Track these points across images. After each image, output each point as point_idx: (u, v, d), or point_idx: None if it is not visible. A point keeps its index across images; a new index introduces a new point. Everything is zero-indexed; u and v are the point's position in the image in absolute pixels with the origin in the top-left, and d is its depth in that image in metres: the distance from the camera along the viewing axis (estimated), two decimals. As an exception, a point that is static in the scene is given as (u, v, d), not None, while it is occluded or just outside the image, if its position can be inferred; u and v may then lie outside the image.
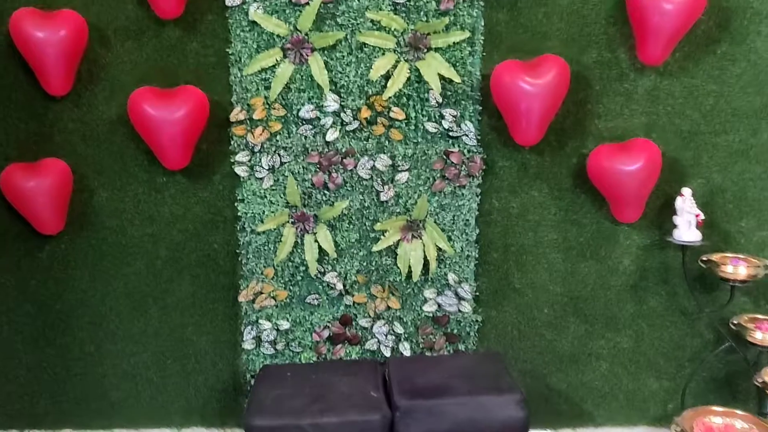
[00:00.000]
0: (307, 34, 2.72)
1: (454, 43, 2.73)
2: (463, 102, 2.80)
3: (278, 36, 2.73)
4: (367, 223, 2.86)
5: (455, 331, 2.96)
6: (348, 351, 2.96)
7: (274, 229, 2.90)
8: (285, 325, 2.94)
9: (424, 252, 2.89)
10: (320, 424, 2.38)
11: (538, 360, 3.07)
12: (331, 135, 2.77)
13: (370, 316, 2.93)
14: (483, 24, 2.78)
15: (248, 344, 2.96)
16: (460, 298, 2.94)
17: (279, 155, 2.80)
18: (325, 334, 2.96)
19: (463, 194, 2.86)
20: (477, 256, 2.96)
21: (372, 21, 2.71)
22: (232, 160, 2.82)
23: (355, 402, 2.46)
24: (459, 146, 2.84)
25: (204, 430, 3.12)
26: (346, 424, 2.39)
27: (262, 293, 2.92)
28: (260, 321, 2.94)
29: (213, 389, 3.09)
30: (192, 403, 3.11)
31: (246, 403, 2.54)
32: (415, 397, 2.47)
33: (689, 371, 3.05)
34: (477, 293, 3.00)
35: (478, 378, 2.57)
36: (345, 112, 2.79)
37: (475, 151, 2.84)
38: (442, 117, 2.77)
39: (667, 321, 3.05)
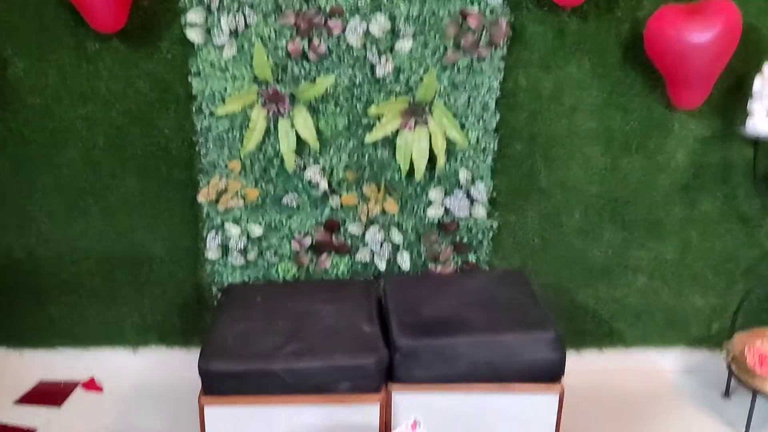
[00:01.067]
0: None
1: None
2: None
3: None
4: (358, 106, 2.22)
5: (465, 239, 2.30)
6: (335, 262, 2.31)
7: (240, 111, 2.21)
8: (257, 230, 2.27)
9: (430, 143, 2.22)
10: (296, 370, 1.75)
11: (563, 273, 2.49)
12: (313, -12, 2.00)
13: (361, 222, 2.24)
14: None
15: (212, 253, 2.29)
16: (472, 201, 2.30)
17: (243, 14, 2.10)
18: (307, 242, 2.29)
19: (481, 69, 2.18)
20: (496, 148, 2.31)
21: None
22: (182, 21, 2.14)
23: (342, 340, 1.82)
24: (479, 5, 2.12)
25: (164, 348, 2.53)
26: (331, 370, 1.75)
27: (226, 192, 2.24)
28: (226, 225, 2.27)
29: (172, 303, 2.51)
30: (147, 320, 2.53)
31: (203, 339, 1.86)
32: (421, 335, 1.83)
33: (742, 287, 2.53)
34: (493, 194, 2.38)
35: (500, 308, 1.93)
36: (330, -43, 2.00)
37: (500, 12, 2.12)
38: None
39: (721, 228, 2.48)
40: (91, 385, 2.50)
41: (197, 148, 2.27)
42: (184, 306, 2.50)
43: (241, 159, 2.25)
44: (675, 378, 2.57)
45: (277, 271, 2.36)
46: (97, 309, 2.52)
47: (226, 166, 2.26)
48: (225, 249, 2.33)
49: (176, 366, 2.49)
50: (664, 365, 2.61)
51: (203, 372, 1.78)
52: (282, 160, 2.24)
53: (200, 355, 1.80)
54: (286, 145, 2.20)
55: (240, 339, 1.85)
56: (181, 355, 2.52)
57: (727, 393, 2.43)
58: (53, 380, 2.53)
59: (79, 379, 2.53)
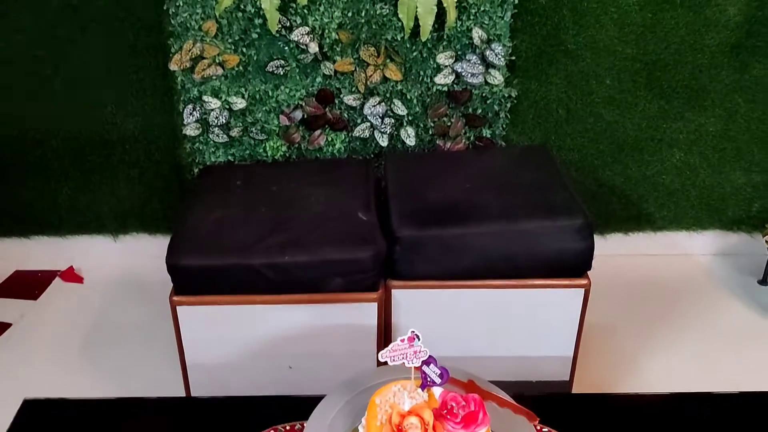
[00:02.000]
0: None
1: None
2: None
3: None
4: (352, -51, 1.72)
5: (479, 111, 1.92)
6: (330, 139, 1.95)
7: (210, -42, 1.74)
8: (239, 103, 1.91)
9: (439, -5, 1.71)
10: (280, 266, 1.40)
11: (588, 148, 2.13)
12: None
13: (359, 92, 1.85)
14: None
15: (191, 129, 1.93)
16: (488, 65, 1.92)
17: None
18: (298, 115, 1.92)
19: None
20: (516, 1, 1.89)
21: None
22: None
23: (334, 230, 1.47)
24: None
25: (146, 236, 2.22)
26: (320, 266, 1.41)
27: (203, 58, 1.83)
28: (204, 98, 1.89)
29: (151, 187, 2.20)
30: (126, 205, 2.23)
31: (174, 231, 1.53)
32: (425, 223, 1.47)
33: (791, 163, 2.10)
34: (512, 57, 1.98)
35: (519, 191, 1.57)
36: None
37: None
38: None
39: (773, 95, 2.00)
40: (70, 275, 2.21)
41: (164, 6, 1.84)
42: (164, 190, 2.18)
43: (216, 19, 1.83)
44: (708, 263, 2.25)
45: (264, 150, 2.00)
46: (70, 194, 2.20)
47: (200, 27, 1.85)
48: (205, 125, 1.95)
49: (159, 254, 2.13)
50: (696, 249, 2.28)
51: (172, 268, 1.46)
52: (264, 19, 1.81)
53: (168, 248, 1.47)
54: (268, 1, 1.77)
55: (215, 229, 1.51)
56: (164, 242, 2.18)
57: (764, 279, 2.13)
58: (29, 270, 2.23)
59: (56, 269, 2.22)
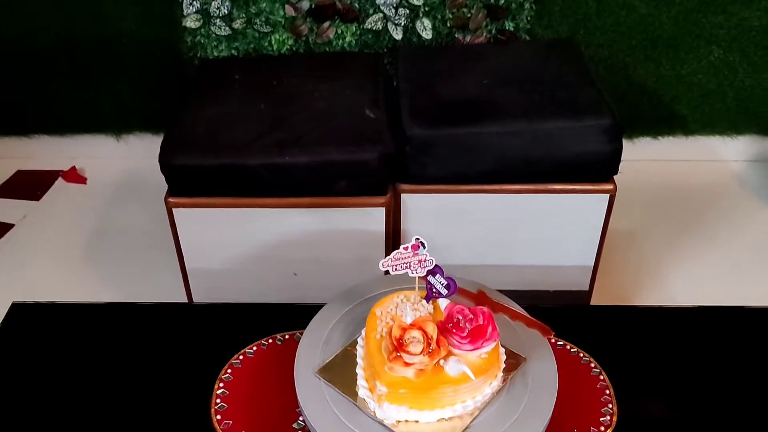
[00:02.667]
0: None
1: None
2: None
3: None
4: None
5: (502, 1, 1.69)
6: (340, 31, 1.78)
7: None
8: (241, -8, 1.70)
9: None
10: (279, 166, 1.28)
11: (619, 44, 1.96)
12: None
13: None
14: None
15: (191, 21, 1.79)
16: (512, -51, 1.63)
17: None
18: (305, 5, 1.77)
19: None
20: None
21: None
22: None
23: (339, 128, 1.34)
24: None
25: (149, 136, 2.10)
26: (323, 167, 1.29)
27: None
28: None
29: (152, 84, 2.09)
30: (127, 104, 2.12)
31: (167, 128, 1.41)
32: (438, 122, 1.33)
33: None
34: (540, -60, 1.70)
35: (542, 87, 1.41)
36: None
37: None
38: None
39: (828, -14, 1.79)
40: (73, 175, 2.11)
41: None
42: (166, 87, 2.04)
43: None
44: (741, 169, 2.09)
45: (270, 43, 1.83)
46: (69, 92, 2.09)
47: None
48: (206, 16, 1.79)
49: (163, 155, 2.04)
50: (729, 155, 2.12)
51: (165, 167, 1.34)
52: None
53: (161, 146, 1.34)
54: None
55: (211, 127, 1.38)
56: (167, 143, 2.07)
57: (802, 188, 1.96)
58: (32, 170, 2.13)
59: (59, 169, 2.12)
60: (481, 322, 0.90)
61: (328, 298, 1.06)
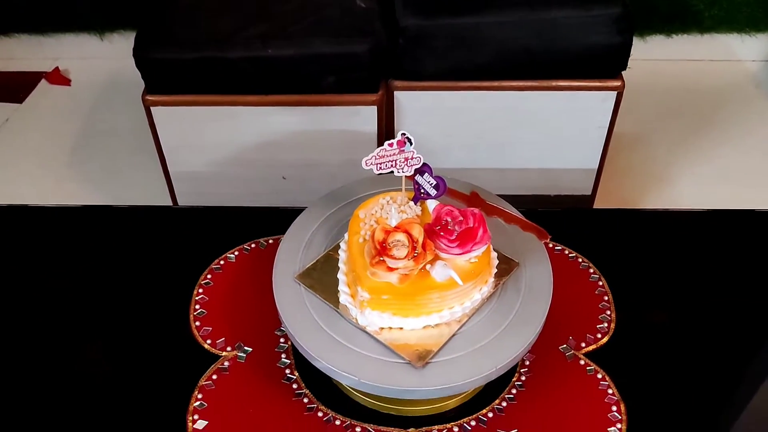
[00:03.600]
0: None
1: None
2: None
3: None
4: None
5: None
6: None
7: None
8: None
9: None
10: (262, 60, 1.19)
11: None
12: None
13: None
14: None
15: None
16: None
17: None
18: None
19: None
20: None
21: None
22: None
23: (326, 19, 1.22)
24: None
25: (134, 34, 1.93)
26: (309, 61, 1.18)
27: None
28: None
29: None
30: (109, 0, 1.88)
31: (142, 20, 1.29)
32: (435, 11, 1.22)
33: None
34: None
35: None
36: None
37: None
38: None
39: None
40: (56, 77, 2.00)
41: None
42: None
43: None
44: (759, 70, 1.97)
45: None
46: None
47: None
48: None
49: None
50: (746, 54, 1.99)
51: (141, 62, 1.24)
52: None
53: (136, 40, 1.23)
54: None
55: (190, 18, 1.27)
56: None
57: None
58: (13, 71, 2.02)
59: (42, 71, 2.01)
60: (471, 225, 0.82)
61: (312, 201, 0.97)
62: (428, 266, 0.82)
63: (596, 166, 1.48)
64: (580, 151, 1.43)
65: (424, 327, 0.83)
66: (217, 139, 1.37)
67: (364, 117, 1.33)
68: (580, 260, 1.08)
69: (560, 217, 1.18)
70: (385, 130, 1.37)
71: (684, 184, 1.67)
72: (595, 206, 1.55)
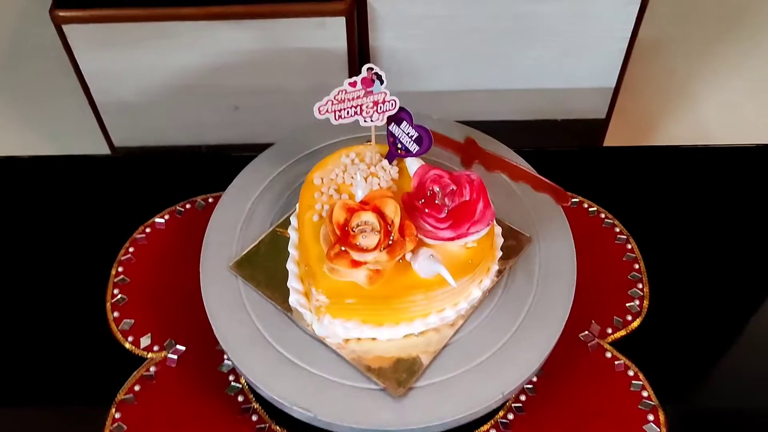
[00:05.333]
0: None
1: None
2: None
3: None
4: None
5: None
6: None
7: None
8: None
9: None
10: None
11: None
12: None
13: None
14: None
15: None
16: None
17: None
18: None
19: None
20: None
21: None
22: None
23: None
24: None
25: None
26: None
27: None
28: None
29: None
30: None
31: None
32: None
33: None
34: None
35: None
36: None
37: None
38: None
39: None
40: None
41: None
42: None
43: None
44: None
45: None
46: None
47: None
48: None
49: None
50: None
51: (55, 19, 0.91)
52: None
53: None
54: None
55: None
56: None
57: None
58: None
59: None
60: (468, 197, 0.55)
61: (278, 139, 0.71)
62: (408, 256, 0.56)
63: (613, 84, 1.20)
64: (594, 66, 1.16)
65: (406, 336, 0.58)
66: (152, 64, 1.08)
67: (331, 30, 1.04)
68: (603, 216, 0.82)
69: (574, 159, 0.91)
70: (359, 47, 1.08)
71: (708, 100, 1.39)
72: (609, 133, 1.28)
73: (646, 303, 0.76)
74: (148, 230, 0.82)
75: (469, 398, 0.56)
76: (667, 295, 0.76)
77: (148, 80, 1.14)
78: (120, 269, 0.78)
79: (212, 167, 0.88)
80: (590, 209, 0.84)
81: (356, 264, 0.55)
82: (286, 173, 0.70)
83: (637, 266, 0.79)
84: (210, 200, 0.84)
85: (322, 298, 0.57)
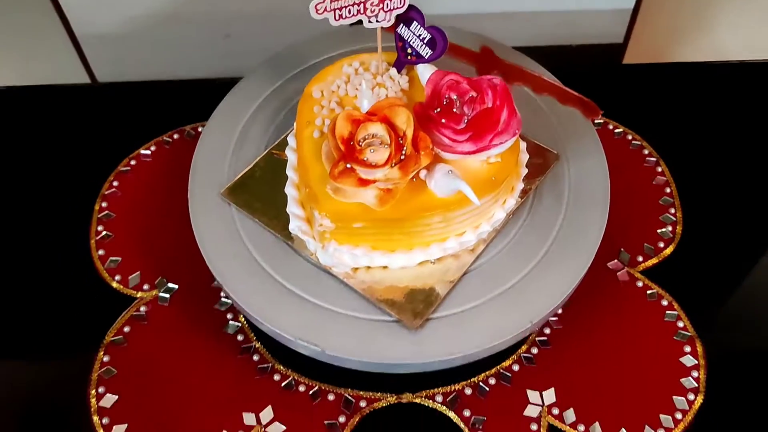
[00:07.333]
0: None
1: None
2: None
3: None
4: None
5: None
6: None
7: None
8: None
9: None
10: None
11: None
12: None
13: None
14: None
15: None
16: None
17: None
18: None
19: None
20: None
21: None
22: None
23: None
24: None
25: None
26: None
27: None
28: None
29: None
30: None
31: None
32: None
33: None
34: None
35: None
36: None
37: None
38: None
39: None
40: None
41: None
42: None
43: None
44: None
45: None
46: None
47: None
48: None
49: None
50: None
51: None
52: None
53: None
54: None
55: None
56: None
57: None
58: None
59: None
60: (490, 104, 0.47)
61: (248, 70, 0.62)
62: (423, 172, 0.48)
63: (631, 5, 1.11)
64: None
65: (421, 263, 0.51)
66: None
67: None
68: (630, 137, 0.75)
69: (595, 78, 0.83)
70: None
71: (727, 25, 1.30)
72: (626, 58, 1.20)
73: (679, 228, 0.69)
74: (133, 162, 0.75)
75: (493, 329, 0.49)
76: (701, 220, 0.70)
77: (132, 9, 1.05)
78: (104, 204, 0.71)
79: (202, 95, 0.80)
80: (616, 130, 0.76)
81: (364, 182, 0.48)
82: (281, 91, 0.63)
83: (668, 190, 0.72)
84: (200, 129, 0.77)
85: (326, 222, 0.49)
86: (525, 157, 0.56)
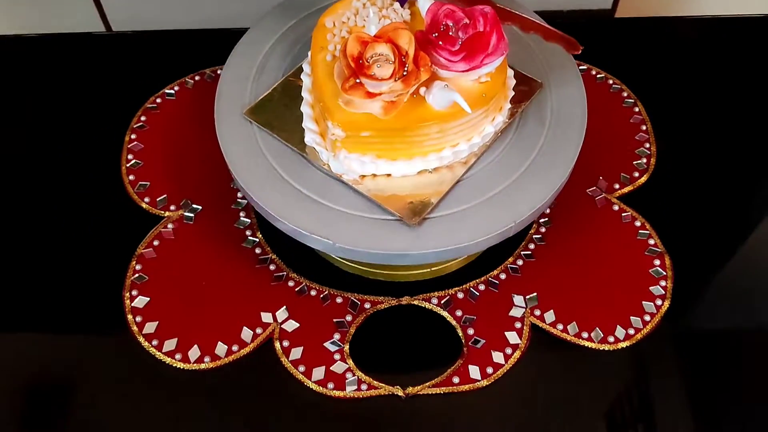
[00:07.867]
0: None
1: None
2: None
3: None
4: None
5: None
6: None
7: None
8: None
9: None
10: None
11: None
12: None
13: None
14: None
15: None
16: None
17: None
18: None
19: None
20: None
21: None
22: None
23: None
24: None
25: None
26: None
27: None
28: None
29: None
30: None
31: None
32: None
33: None
34: None
35: None
36: None
37: None
38: None
39: None
40: None
41: None
42: None
43: None
44: None
45: None
46: None
47: None
48: None
49: None
50: None
51: None
52: None
53: None
54: None
55: None
56: None
57: None
58: None
59: None
60: (481, 29, 0.56)
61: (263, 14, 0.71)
62: (422, 89, 0.57)
63: (619, -29, 1.18)
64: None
65: (419, 172, 0.60)
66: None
67: None
68: (611, 82, 0.83)
69: (582, 30, 0.91)
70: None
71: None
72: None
73: (653, 161, 0.78)
74: (159, 101, 0.82)
75: (481, 227, 0.58)
76: (673, 154, 0.78)
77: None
78: (133, 136, 0.79)
79: (220, 42, 0.87)
80: (598, 76, 0.85)
81: (371, 95, 0.56)
82: (297, 27, 0.71)
83: (644, 127, 0.80)
84: (219, 71, 0.85)
85: (337, 131, 0.58)
86: (512, 81, 0.64)
